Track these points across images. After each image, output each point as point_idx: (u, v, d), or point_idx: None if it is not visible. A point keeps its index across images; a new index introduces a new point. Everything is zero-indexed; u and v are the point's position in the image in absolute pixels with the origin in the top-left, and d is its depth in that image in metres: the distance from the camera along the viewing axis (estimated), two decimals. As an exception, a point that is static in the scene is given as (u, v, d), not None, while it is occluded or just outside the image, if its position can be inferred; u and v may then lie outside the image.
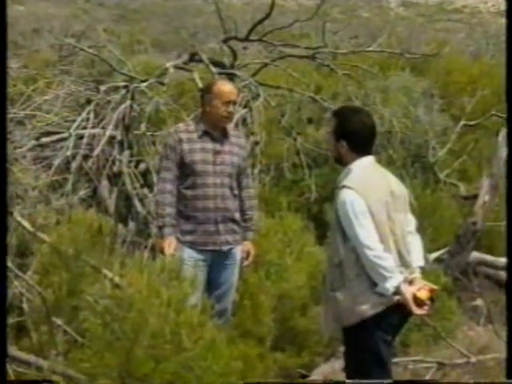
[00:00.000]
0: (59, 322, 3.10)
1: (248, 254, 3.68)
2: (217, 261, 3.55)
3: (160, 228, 3.52)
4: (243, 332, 3.71)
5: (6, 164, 2.83)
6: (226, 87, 3.57)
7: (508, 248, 3.36)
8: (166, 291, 2.55)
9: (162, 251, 3.45)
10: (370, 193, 2.79)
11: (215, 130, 3.56)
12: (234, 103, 3.63)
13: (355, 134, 2.88)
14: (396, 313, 2.81)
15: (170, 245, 3.42)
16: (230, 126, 3.81)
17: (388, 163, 5.81)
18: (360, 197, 2.76)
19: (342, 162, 2.96)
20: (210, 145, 3.54)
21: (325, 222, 5.46)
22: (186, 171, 3.51)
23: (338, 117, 2.98)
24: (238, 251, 3.64)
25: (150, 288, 2.58)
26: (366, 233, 2.74)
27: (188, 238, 3.49)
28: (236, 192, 3.62)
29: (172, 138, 3.55)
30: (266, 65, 7.08)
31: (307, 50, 7.28)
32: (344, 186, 2.81)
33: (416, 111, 6.91)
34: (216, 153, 3.53)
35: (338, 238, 2.82)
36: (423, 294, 2.79)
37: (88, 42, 8.63)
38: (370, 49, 7.57)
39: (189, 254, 3.45)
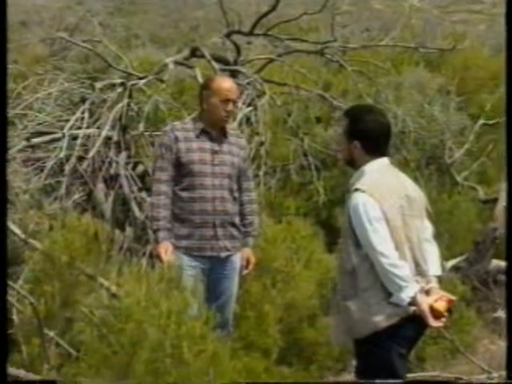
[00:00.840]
0: (52, 334, 3.11)
1: (248, 261, 3.66)
2: (214, 269, 3.53)
3: (155, 232, 3.51)
4: (247, 344, 3.71)
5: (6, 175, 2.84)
6: (225, 84, 3.57)
7: (508, 250, 3.36)
8: (166, 301, 2.55)
9: (158, 257, 3.45)
10: (385, 196, 2.79)
11: (214, 129, 3.56)
12: (234, 102, 3.62)
13: (369, 134, 2.88)
14: (412, 325, 2.80)
15: (166, 251, 3.41)
16: (230, 126, 3.82)
17: (401, 165, 5.80)
18: (374, 201, 2.76)
19: (354, 165, 2.95)
20: (207, 144, 3.54)
21: (334, 227, 5.47)
22: (182, 172, 3.51)
23: (351, 116, 2.98)
24: (238, 259, 3.62)
25: (149, 298, 2.58)
26: (380, 239, 2.73)
27: (183, 242, 3.48)
28: (236, 195, 3.62)
29: (168, 136, 3.54)
30: (271, 60, 7.11)
31: (315, 44, 7.32)
32: (357, 190, 2.81)
33: (431, 110, 6.91)
34: (214, 153, 3.53)
35: (350, 244, 2.82)
36: (441, 305, 2.78)
37: (82, 36, 8.66)
38: (382, 43, 7.59)
39: (184, 261, 3.43)
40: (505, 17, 3.78)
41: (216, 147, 3.55)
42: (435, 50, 8.16)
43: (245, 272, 3.68)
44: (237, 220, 3.60)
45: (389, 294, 2.76)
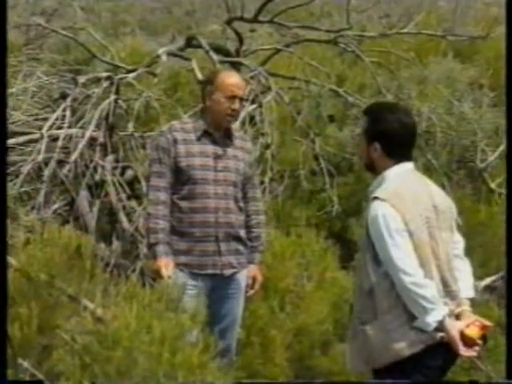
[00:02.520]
0: (26, 364, 3.11)
1: (254, 280, 3.69)
2: (217, 288, 3.55)
3: (152, 246, 3.52)
4: (251, 373, 3.74)
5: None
6: (230, 79, 3.61)
7: (508, 254, 3.37)
8: (159, 325, 2.56)
9: (155, 275, 3.46)
10: (408, 206, 2.81)
11: (217, 130, 3.60)
12: (241, 99, 3.65)
13: (391, 136, 2.90)
14: (439, 353, 2.81)
15: (166, 266, 3.42)
16: (234, 126, 3.84)
17: (427, 170, 5.82)
18: (395, 211, 2.78)
19: (374, 169, 2.98)
20: (210, 147, 3.57)
21: (349, 240, 5.49)
22: (181, 178, 3.53)
23: (371, 114, 3.01)
24: (243, 277, 3.64)
25: (140, 321, 2.59)
26: (403, 255, 2.75)
27: (182, 258, 3.50)
28: (241, 205, 3.65)
29: (165, 137, 3.57)
30: (278, 51, 7.14)
31: (328, 32, 7.33)
32: (376, 198, 2.83)
33: (461, 106, 6.91)
34: (217, 157, 3.57)
35: (369, 260, 2.83)
36: (473, 332, 2.78)
37: (62, 22, 8.71)
38: (404, 30, 7.59)
39: (183, 279, 3.44)
40: (505, 16, 3.85)
41: (219, 151, 3.58)
42: (466, 38, 8.16)
43: (250, 292, 3.70)
44: (242, 233, 3.63)
45: (412, 318, 2.77)
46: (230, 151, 3.61)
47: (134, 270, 4.67)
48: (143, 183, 5.02)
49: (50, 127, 5.53)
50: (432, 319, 2.74)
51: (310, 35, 7.59)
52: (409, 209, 2.81)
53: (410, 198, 2.84)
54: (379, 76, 7.02)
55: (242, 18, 7.02)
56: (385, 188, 2.87)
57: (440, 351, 2.79)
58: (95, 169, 5.34)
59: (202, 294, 3.41)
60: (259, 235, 3.72)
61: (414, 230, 2.78)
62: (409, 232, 2.77)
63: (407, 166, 2.95)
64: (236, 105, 3.56)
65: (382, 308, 2.80)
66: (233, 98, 3.54)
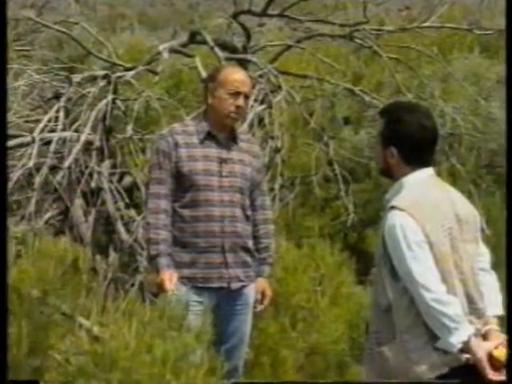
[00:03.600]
0: (16, 387, 3.12)
1: (263, 294, 3.70)
2: (224, 303, 3.56)
3: (153, 258, 3.54)
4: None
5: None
6: (234, 75, 3.63)
7: (507, 252, 3.38)
8: (161, 344, 2.57)
9: (158, 289, 3.46)
10: (429, 216, 2.81)
11: (221, 132, 3.62)
12: (246, 97, 3.66)
13: (409, 140, 2.91)
14: (464, 377, 2.79)
15: (170, 279, 3.42)
16: (241, 129, 3.85)
17: (451, 176, 5.82)
18: (415, 221, 2.78)
19: (391, 175, 2.99)
20: (214, 151, 3.59)
21: (366, 253, 5.49)
22: (183, 185, 3.56)
23: (387, 116, 3.01)
24: (251, 292, 3.65)
25: (140, 340, 2.61)
26: (423, 269, 2.75)
27: (185, 272, 3.51)
28: (249, 213, 3.66)
29: (165, 141, 3.59)
30: (289, 47, 7.16)
31: (343, 27, 7.35)
32: (393, 207, 2.84)
33: (488, 106, 6.91)
34: (222, 161, 3.59)
35: (386, 274, 2.84)
36: (502, 353, 2.76)
37: (54, 16, 8.77)
38: (426, 24, 7.60)
39: (187, 294, 3.45)
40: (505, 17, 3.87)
41: (224, 155, 3.60)
42: (493, 31, 8.14)
43: (259, 308, 3.70)
44: (250, 243, 3.64)
45: (434, 338, 2.77)
46: (236, 155, 3.63)
47: (132, 285, 4.69)
48: (143, 190, 5.04)
49: (42, 130, 5.55)
50: (456, 340, 2.73)
51: (324, 30, 7.61)
52: (429, 219, 2.81)
53: (430, 207, 2.84)
54: (398, 74, 7.03)
55: (249, 12, 7.06)
56: (403, 196, 2.87)
57: (465, 374, 2.78)
58: (91, 175, 5.36)
59: (207, 310, 3.43)
60: (268, 246, 3.73)
61: (435, 242, 2.78)
62: (429, 244, 2.77)
63: (427, 172, 2.95)
64: (240, 101, 3.57)
65: (401, 327, 2.80)
66: (237, 94, 3.56)
